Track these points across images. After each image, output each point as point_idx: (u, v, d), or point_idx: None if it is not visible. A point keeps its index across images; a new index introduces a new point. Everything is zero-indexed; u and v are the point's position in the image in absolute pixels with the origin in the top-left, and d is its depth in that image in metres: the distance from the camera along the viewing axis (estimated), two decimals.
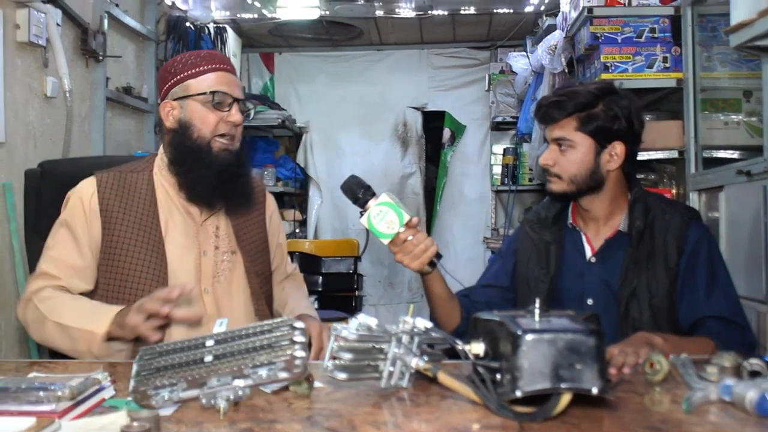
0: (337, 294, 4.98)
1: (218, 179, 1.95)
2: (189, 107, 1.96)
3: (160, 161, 2.05)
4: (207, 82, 1.96)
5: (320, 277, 4.95)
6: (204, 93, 1.95)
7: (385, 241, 1.79)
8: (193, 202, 2.01)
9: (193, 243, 2.00)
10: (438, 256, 1.86)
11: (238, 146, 2.02)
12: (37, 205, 2.26)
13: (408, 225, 1.79)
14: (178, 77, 1.97)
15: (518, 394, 1.18)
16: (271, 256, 2.20)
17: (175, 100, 1.98)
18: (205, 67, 1.97)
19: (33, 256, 2.25)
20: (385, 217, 1.76)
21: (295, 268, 2.38)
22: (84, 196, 1.98)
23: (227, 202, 2.01)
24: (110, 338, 1.78)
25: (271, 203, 2.25)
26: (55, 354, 1.99)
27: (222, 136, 1.97)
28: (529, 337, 1.19)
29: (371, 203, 1.78)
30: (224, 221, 2.06)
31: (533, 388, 1.18)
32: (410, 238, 1.81)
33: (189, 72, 1.97)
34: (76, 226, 1.96)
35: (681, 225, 2.00)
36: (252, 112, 2.12)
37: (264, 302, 2.09)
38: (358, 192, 1.81)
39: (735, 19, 2.19)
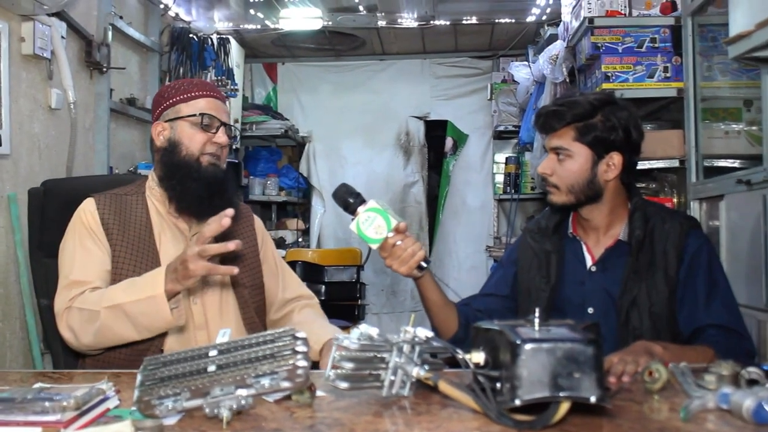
0: (340, 303, 4.99)
1: (206, 191, 2.02)
2: (179, 128, 2.05)
3: (151, 182, 2.13)
4: (197, 106, 2.06)
5: (323, 286, 4.97)
6: (194, 115, 2.04)
7: (374, 246, 1.81)
8: (182, 214, 2.08)
9: None
10: (426, 260, 1.88)
11: (224, 166, 2.11)
12: (41, 223, 2.29)
13: (396, 230, 1.81)
14: (171, 101, 2.08)
15: (517, 402, 1.19)
16: (265, 270, 2.22)
17: (166, 121, 2.07)
18: (196, 93, 2.07)
19: (37, 272, 2.28)
20: (374, 223, 1.79)
21: (313, 296, 2.37)
22: (87, 213, 2.04)
23: (214, 214, 2.02)
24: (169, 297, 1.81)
25: (260, 225, 2.31)
26: (60, 365, 2.00)
27: (208, 154, 2.05)
28: (528, 346, 1.20)
29: (360, 209, 1.80)
30: None
31: (532, 397, 1.19)
32: (399, 242, 1.83)
33: (180, 97, 2.07)
34: (91, 237, 2.02)
35: (680, 234, 2.00)
36: (238, 138, 2.19)
37: (253, 312, 2.12)
38: (349, 199, 1.84)
39: (733, 30, 2.21)
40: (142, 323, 1.84)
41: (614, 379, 1.54)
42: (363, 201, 1.83)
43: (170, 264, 1.82)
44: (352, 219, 1.83)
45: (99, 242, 2.01)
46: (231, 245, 1.73)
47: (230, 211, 1.77)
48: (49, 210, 2.28)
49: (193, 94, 2.07)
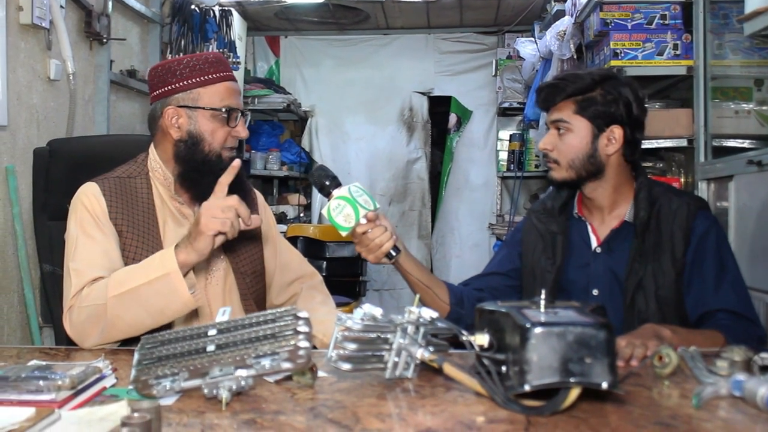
0: (341, 279, 4.97)
1: (228, 190, 1.89)
2: (199, 119, 1.92)
3: (153, 162, 2.00)
4: (219, 95, 1.92)
5: (324, 262, 4.94)
6: (219, 109, 1.92)
7: (343, 234, 1.78)
8: (193, 209, 1.97)
9: None
10: (396, 249, 1.84)
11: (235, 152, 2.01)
12: (46, 185, 2.26)
13: (367, 219, 1.78)
14: (185, 83, 1.92)
15: (527, 388, 1.16)
16: (265, 252, 2.14)
17: (181, 107, 1.92)
18: (215, 75, 1.93)
19: (41, 235, 2.25)
20: (343, 211, 1.76)
21: (316, 273, 2.29)
22: (92, 198, 1.90)
23: None
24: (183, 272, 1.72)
25: (262, 203, 2.22)
26: (62, 336, 1.95)
27: (228, 148, 1.95)
28: (538, 330, 1.17)
29: (334, 194, 1.78)
30: None
31: (542, 382, 1.15)
32: (368, 231, 1.80)
33: (198, 79, 1.92)
34: (96, 223, 1.88)
35: (688, 215, 1.97)
36: (248, 118, 2.04)
37: (253, 302, 2.05)
38: (325, 182, 1.80)
39: (750, 7, 2.16)
40: (157, 306, 1.70)
41: (622, 363, 1.51)
42: (338, 184, 1.80)
43: (183, 239, 1.74)
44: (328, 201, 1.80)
45: (104, 229, 1.88)
46: (257, 220, 1.73)
47: (237, 162, 1.78)
48: (55, 171, 2.24)
49: (211, 76, 1.92)
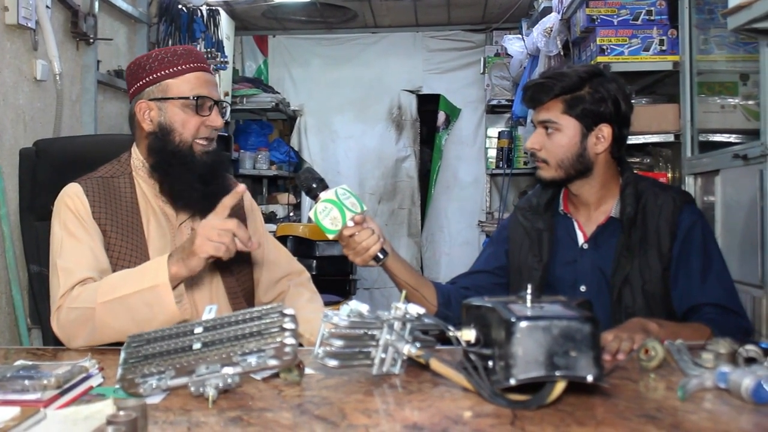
0: (332, 278, 4.96)
1: (200, 182, 1.91)
2: (169, 110, 1.91)
3: (136, 160, 2.00)
4: (188, 84, 1.92)
5: (314, 261, 4.94)
6: (187, 98, 1.90)
7: (330, 237, 1.78)
8: (175, 207, 1.96)
9: (170, 246, 1.93)
10: (383, 252, 1.84)
11: (215, 146, 1.99)
12: (33, 185, 2.25)
13: (354, 221, 1.78)
14: (154, 76, 1.92)
15: (512, 382, 1.16)
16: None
17: (152, 100, 1.92)
18: (184, 66, 1.92)
19: (28, 236, 2.24)
20: (330, 214, 1.76)
21: (303, 270, 2.27)
22: (75, 199, 1.90)
23: (208, 204, 1.89)
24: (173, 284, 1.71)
25: (248, 200, 2.21)
26: (49, 337, 1.94)
27: (202, 138, 1.94)
28: (523, 324, 1.17)
29: (321, 196, 1.78)
30: (199, 223, 1.99)
31: (528, 376, 1.16)
32: (356, 234, 1.80)
33: (167, 71, 1.91)
34: (80, 224, 1.88)
35: (673, 209, 1.97)
36: (228, 111, 2.02)
37: (243, 300, 2.04)
38: (312, 184, 1.80)
39: (733, 1, 2.16)
40: (144, 316, 1.69)
41: (609, 356, 1.52)
42: (325, 187, 1.80)
43: (175, 249, 1.74)
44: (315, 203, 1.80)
45: (88, 228, 1.87)
46: (255, 244, 1.71)
47: (242, 187, 1.75)
48: (41, 171, 2.24)
49: (180, 67, 1.91)
